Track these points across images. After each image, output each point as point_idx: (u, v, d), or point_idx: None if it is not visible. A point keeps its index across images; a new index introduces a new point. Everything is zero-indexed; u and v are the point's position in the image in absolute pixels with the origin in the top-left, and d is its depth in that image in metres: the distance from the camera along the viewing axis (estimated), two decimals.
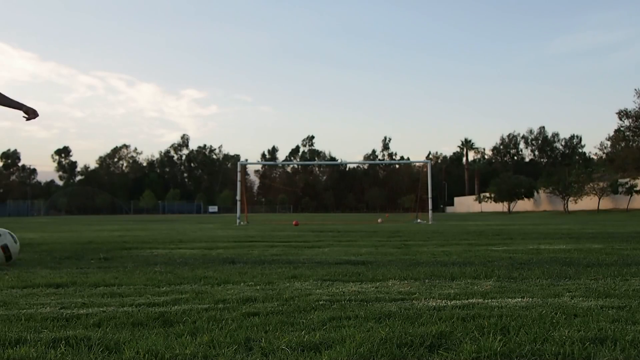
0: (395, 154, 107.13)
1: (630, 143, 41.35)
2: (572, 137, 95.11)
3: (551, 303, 2.02)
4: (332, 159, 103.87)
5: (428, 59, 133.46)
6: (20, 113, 3.84)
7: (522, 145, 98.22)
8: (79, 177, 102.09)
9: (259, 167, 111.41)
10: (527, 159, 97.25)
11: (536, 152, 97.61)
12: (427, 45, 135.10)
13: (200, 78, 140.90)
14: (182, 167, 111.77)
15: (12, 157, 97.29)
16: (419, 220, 17.81)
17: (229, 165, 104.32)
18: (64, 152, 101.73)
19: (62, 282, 2.64)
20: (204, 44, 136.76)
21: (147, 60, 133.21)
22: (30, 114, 3.82)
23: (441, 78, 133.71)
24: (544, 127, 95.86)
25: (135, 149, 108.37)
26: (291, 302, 2.09)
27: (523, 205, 57.21)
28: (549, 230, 9.03)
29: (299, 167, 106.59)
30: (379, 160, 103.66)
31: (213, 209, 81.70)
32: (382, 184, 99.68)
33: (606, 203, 41.71)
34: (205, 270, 3.18)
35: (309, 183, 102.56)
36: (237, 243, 5.95)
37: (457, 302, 2.07)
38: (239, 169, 17.67)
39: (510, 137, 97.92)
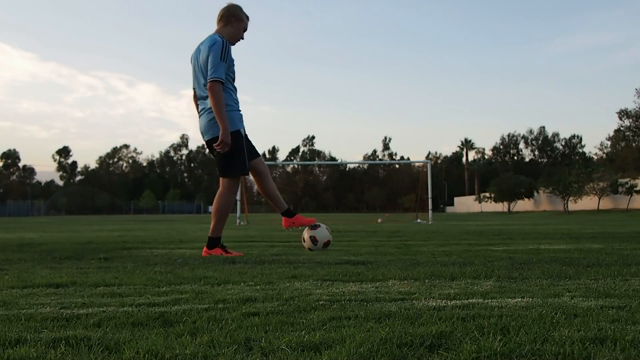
0: (395, 154, 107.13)
1: (631, 143, 41.34)
2: (572, 137, 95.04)
3: (551, 303, 2.02)
4: (332, 159, 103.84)
5: (428, 59, 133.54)
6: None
7: (522, 145, 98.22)
8: (79, 177, 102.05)
9: None
10: (527, 159, 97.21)
11: (536, 152, 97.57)
12: (427, 45, 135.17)
13: None
14: (182, 167, 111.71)
15: (12, 157, 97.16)
16: (419, 220, 17.81)
17: None
18: (63, 152, 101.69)
19: (62, 282, 2.64)
20: None
21: (147, 60, 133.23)
22: (220, 145, 4.11)
23: (441, 78, 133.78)
24: (544, 127, 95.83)
25: (135, 149, 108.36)
26: (291, 302, 2.09)
27: (523, 205, 57.20)
28: (549, 230, 9.03)
29: (299, 167, 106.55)
30: (379, 160, 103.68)
31: None
32: (382, 184, 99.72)
33: (606, 203, 41.72)
34: (205, 270, 3.18)
35: (309, 183, 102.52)
36: (237, 243, 5.95)
37: (457, 302, 2.07)
38: None
39: (510, 137, 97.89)
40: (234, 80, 4.36)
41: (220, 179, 4.39)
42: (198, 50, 4.30)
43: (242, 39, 4.46)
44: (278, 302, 2.08)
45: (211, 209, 4.49)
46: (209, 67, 4.10)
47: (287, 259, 3.89)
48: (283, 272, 3.05)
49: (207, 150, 4.56)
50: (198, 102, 4.41)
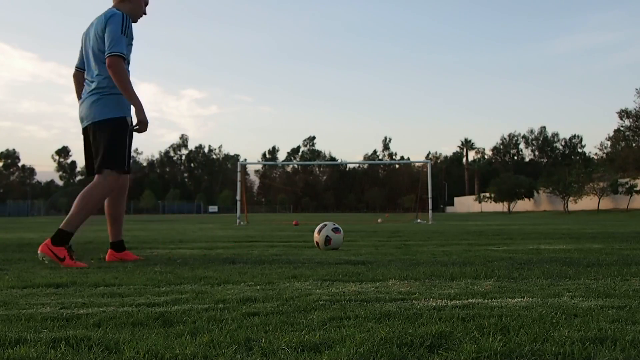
0: (395, 154, 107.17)
1: (631, 143, 41.38)
2: (573, 137, 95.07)
3: (551, 303, 2.02)
4: (332, 159, 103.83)
5: (428, 59, 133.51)
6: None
7: (522, 145, 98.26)
8: (79, 177, 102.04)
9: (259, 167, 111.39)
10: (527, 159, 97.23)
11: (536, 152, 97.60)
12: (427, 45, 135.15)
13: (200, 78, 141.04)
14: (182, 167, 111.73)
15: (12, 157, 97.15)
16: (419, 220, 17.81)
17: (229, 165, 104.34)
18: (63, 152, 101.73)
19: (62, 282, 2.64)
20: (204, 44, 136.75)
21: (147, 60, 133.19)
22: (140, 126, 3.74)
23: (441, 78, 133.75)
24: (544, 127, 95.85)
25: (136, 149, 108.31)
26: (291, 302, 2.09)
27: (523, 205, 57.21)
28: (549, 230, 9.03)
29: (299, 167, 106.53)
30: (379, 160, 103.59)
31: (213, 209, 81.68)
32: (382, 184, 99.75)
33: (606, 203, 41.71)
34: (205, 270, 3.18)
35: (309, 183, 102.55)
36: (237, 243, 5.95)
37: (457, 302, 2.07)
38: (239, 169, 17.66)
39: (511, 137, 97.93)
40: (129, 63, 3.84)
41: (97, 175, 3.76)
42: (92, 26, 3.81)
43: (145, 14, 4.04)
44: (278, 302, 2.08)
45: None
46: (107, 41, 3.61)
47: (287, 259, 3.89)
48: (283, 272, 3.05)
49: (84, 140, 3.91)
50: (84, 84, 3.89)
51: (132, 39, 3.81)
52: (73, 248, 3.68)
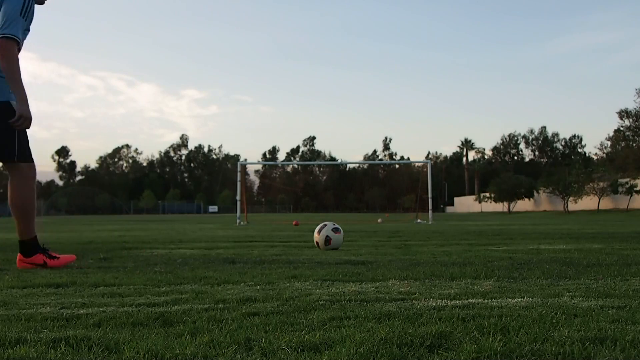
0: (395, 154, 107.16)
1: (631, 143, 41.41)
2: (573, 137, 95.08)
3: (551, 303, 2.02)
4: (332, 159, 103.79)
5: (428, 59, 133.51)
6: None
7: (522, 145, 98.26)
8: (79, 177, 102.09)
9: (259, 167, 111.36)
10: (527, 159, 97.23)
11: (536, 152, 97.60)
12: (427, 45, 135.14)
13: (200, 78, 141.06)
14: (182, 167, 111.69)
15: None
16: (419, 220, 17.81)
17: (229, 165, 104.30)
18: (62, 152, 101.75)
19: (62, 282, 2.64)
20: (204, 44, 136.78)
21: (147, 60, 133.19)
22: (21, 120, 3.26)
23: (441, 78, 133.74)
24: (544, 127, 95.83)
25: (136, 149, 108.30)
26: (291, 302, 2.09)
27: (523, 205, 57.21)
28: (549, 230, 9.03)
29: (299, 167, 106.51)
30: (379, 160, 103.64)
31: (213, 209, 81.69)
32: (382, 184, 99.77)
33: (606, 203, 41.70)
34: (205, 270, 3.18)
35: (309, 183, 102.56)
36: (237, 243, 5.95)
37: (457, 302, 2.07)
38: (239, 169, 17.66)
39: (511, 137, 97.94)
40: (19, 50, 3.30)
41: (9, 172, 3.38)
42: None
43: None
44: (278, 302, 2.08)
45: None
46: (1, 19, 3.16)
47: (287, 259, 3.89)
48: (283, 272, 3.05)
49: None
50: None
51: (31, 23, 3.33)
52: (47, 247, 3.55)
